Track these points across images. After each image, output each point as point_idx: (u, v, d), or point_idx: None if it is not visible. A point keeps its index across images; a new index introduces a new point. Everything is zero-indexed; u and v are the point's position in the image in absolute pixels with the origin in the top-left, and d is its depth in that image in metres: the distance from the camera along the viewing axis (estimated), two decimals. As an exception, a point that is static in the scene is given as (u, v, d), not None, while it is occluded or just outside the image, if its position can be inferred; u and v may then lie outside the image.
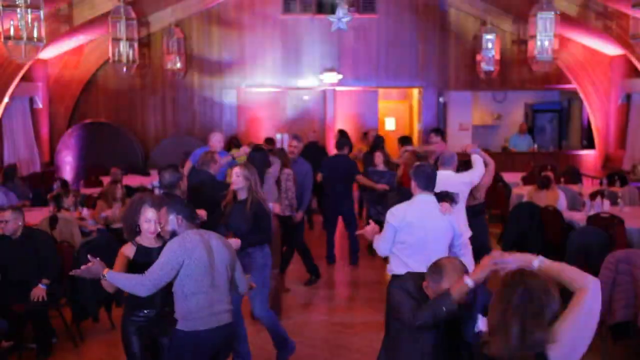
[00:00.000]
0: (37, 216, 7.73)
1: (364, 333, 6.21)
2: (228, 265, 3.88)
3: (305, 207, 7.82)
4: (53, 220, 7.30)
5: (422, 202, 4.60)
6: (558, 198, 8.31)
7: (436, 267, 3.06)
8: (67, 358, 5.72)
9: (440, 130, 9.28)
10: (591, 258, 6.25)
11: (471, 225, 6.06)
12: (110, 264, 3.90)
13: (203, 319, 3.75)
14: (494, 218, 10.40)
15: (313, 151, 10.47)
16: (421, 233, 4.49)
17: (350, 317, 6.78)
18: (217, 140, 7.65)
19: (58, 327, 5.99)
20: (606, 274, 5.34)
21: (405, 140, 9.76)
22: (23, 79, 10.99)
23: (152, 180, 10.48)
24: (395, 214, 4.57)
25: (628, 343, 5.62)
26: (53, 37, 10.06)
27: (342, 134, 11.64)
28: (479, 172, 6.38)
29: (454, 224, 4.61)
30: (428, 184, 4.61)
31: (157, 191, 9.69)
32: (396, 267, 4.57)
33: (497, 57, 12.74)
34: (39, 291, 5.51)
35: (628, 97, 12.06)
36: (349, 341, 6.08)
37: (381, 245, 4.62)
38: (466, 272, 3.01)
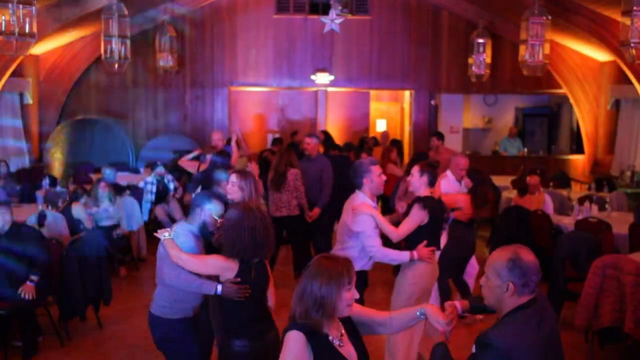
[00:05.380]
0: (25, 213, 7.68)
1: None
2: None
3: (323, 203, 7.88)
4: (41, 217, 7.25)
5: (352, 198, 5.00)
6: (544, 202, 8.36)
7: None
8: (54, 356, 5.68)
9: (441, 134, 9.60)
10: (579, 263, 6.28)
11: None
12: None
13: None
14: (483, 222, 10.42)
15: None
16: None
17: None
18: (218, 139, 8.55)
19: (45, 325, 5.95)
20: (593, 279, 5.37)
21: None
22: (13, 74, 10.90)
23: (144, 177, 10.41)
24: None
25: (614, 348, 5.65)
26: (45, 33, 10.00)
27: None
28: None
29: (355, 222, 4.82)
30: (354, 179, 4.94)
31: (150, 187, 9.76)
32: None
33: (489, 60, 12.78)
34: (28, 288, 5.45)
35: (617, 102, 12.13)
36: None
37: None
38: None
